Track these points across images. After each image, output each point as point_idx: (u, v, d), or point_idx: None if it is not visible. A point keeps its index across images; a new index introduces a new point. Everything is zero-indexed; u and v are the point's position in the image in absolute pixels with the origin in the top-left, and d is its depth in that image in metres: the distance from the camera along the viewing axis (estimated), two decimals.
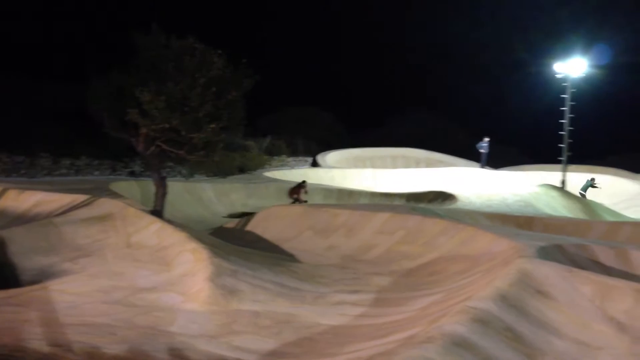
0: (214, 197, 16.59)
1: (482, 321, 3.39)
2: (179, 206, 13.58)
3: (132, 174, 17.49)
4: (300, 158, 29.36)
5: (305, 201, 16.13)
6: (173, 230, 7.43)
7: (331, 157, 30.62)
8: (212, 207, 15.89)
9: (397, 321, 4.21)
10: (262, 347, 4.01)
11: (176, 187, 13.88)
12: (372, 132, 50.96)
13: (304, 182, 16.95)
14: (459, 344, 3.02)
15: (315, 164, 29.21)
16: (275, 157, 27.08)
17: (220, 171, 19.66)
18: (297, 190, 16.48)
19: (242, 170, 22.00)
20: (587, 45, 29.10)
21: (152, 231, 7.68)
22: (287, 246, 8.41)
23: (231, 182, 18.64)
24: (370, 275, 6.59)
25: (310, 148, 30.59)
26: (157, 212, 9.01)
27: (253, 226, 9.94)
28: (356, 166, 29.35)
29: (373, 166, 29.30)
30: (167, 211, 9.65)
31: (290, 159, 28.43)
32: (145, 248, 7.21)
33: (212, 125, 8.34)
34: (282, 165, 27.18)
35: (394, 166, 30.11)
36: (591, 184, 23.74)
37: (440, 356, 2.82)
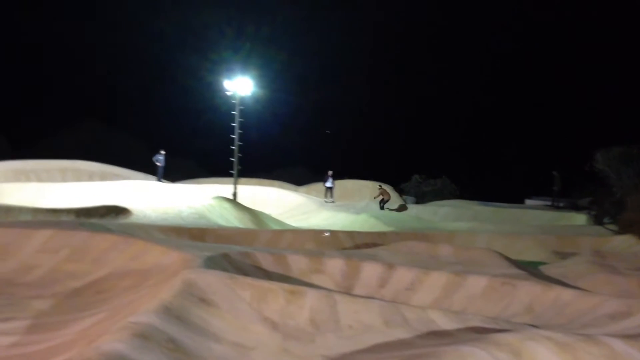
0: None
1: (143, 336, 3.33)
2: None
3: None
4: None
5: None
6: None
7: None
8: None
9: (53, 346, 3.87)
10: None
11: None
12: (39, 143, 46.71)
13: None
14: None
15: None
16: None
17: None
18: None
19: None
20: (254, 68, 31.73)
21: None
22: None
23: None
24: (29, 300, 5.95)
25: None
26: None
27: None
28: (17, 180, 26.34)
29: (38, 180, 26.70)
30: None
31: None
32: None
33: None
34: None
35: (64, 180, 27.92)
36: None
37: None
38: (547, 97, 64.03)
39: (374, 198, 28.90)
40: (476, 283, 6.71)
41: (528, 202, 33.65)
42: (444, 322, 4.48)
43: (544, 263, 11.66)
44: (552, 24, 65.57)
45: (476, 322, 4.52)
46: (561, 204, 29.55)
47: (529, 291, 6.32)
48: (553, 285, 6.55)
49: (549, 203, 31.45)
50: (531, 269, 9.28)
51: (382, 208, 28.03)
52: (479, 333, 4.11)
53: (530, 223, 24.21)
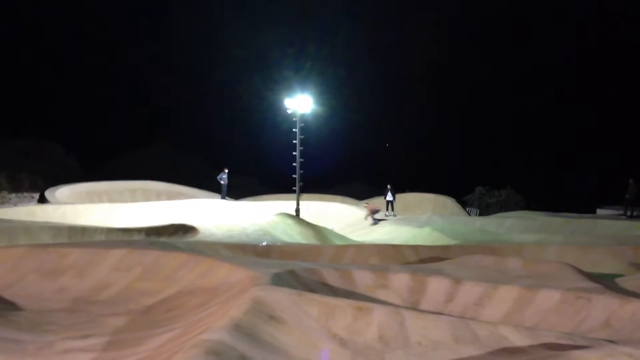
0: None
1: (216, 353, 3.41)
2: None
3: None
4: (26, 194, 26.55)
5: None
6: None
7: (62, 192, 28.18)
8: None
9: None
10: None
11: None
12: (110, 165, 48.71)
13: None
14: None
15: (43, 200, 26.62)
16: None
17: None
18: None
19: None
20: (314, 85, 32.16)
21: None
22: (7, 293, 7.44)
23: None
24: (105, 317, 6.19)
25: (37, 183, 27.89)
26: None
27: None
28: (91, 201, 27.49)
29: (110, 201, 27.80)
30: None
31: (12, 195, 25.51)
32: None
33: None
34: (3, 203, 24.25)
35: (133, 200, 28.94)
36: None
37: None
38: (619, 103, 61.55)
39: (366, 214, 28.96)
40: (549, 297, 6.49)
41: (599, 211, 32.31)
42: (516, 339, 4.36)
43: (620, 275, 11.16)
44: (625, 25, 63.24)
45: (550, 339, 4.38)
46: (635, 213, 28.28)
47: (605, 305, 6.07)
48: (631, 299, 6.26)
49: (620, 212, 30.14)
50: (607, 282, 8.89)
51: (374, 219, 28.38)
52: (554, 350, 3.98)
53: (603, 234, 23.22)
